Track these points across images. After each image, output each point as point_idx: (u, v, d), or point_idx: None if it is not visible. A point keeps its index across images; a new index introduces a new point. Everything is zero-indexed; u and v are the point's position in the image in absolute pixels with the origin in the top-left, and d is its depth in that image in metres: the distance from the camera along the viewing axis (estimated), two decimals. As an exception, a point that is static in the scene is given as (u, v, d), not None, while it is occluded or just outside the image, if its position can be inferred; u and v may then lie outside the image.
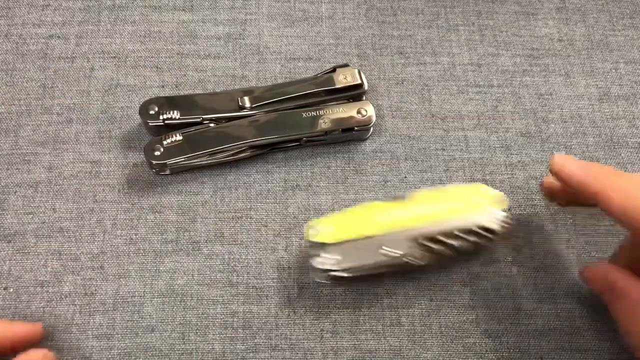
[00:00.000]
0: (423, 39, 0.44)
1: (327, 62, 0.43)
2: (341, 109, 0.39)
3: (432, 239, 0.32)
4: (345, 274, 0.32)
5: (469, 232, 0.33)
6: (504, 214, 0.33)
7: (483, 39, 0.44)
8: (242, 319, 0.34)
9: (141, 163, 0.38)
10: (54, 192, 0.37)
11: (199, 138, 0.37)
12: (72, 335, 0.34)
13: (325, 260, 0.32)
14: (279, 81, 0.42)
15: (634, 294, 0.30)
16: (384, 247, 0.32)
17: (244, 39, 0.43)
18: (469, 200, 0.33)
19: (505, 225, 0.33)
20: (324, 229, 0.32)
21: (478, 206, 0.33)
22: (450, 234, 0.32)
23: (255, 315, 0.34)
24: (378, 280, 0.35)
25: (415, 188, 0.38)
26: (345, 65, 0.40)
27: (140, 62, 0.42)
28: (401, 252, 0.32)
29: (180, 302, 0.35)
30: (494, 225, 0.33)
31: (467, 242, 0.33)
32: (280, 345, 0.34)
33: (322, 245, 0.32)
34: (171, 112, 0.38)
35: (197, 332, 0.34)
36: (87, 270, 0.35)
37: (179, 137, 0.37)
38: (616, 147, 0.40)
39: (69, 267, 0.35)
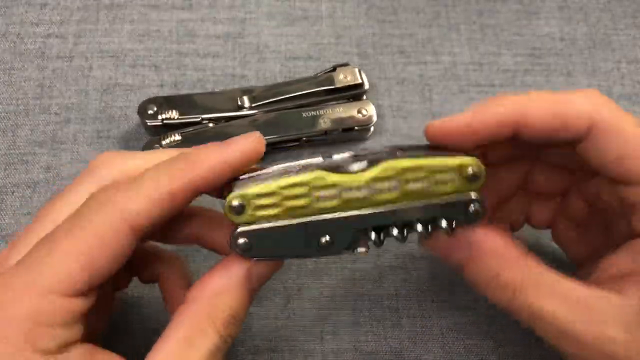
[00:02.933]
0: (424, 38, 0.44)
1: (327, 61, 0.42)
2: (341, 108, 0.39)
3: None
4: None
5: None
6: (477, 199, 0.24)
7: (484, 38, 0.44)
8: (242, 320, 0.34)
9: (140, 163, 0.38)
10: (52, 193, 0.37)
11: (198, 138, 0.37)
12: (70, 336, 0.33)
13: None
14: (279, 80, 0.41)
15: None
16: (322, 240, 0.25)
17: (243, 38, 0.43)
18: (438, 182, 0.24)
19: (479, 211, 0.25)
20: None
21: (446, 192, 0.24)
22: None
23: (254, 317, 0.34)
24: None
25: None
26: (346, 65, 0.40)
27: (138, 62, 0.42)
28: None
29: (179, 303, 0.34)
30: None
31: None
32: (279, 347, 0.33)
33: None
34: (170, 112, 0.38)
35: (196, 334, 0.34)
36: (86, 271, 0.35)
37: (177, 137, 0.37)
38: (618, 147, 0.40)
39: (67, 268, 0.35)
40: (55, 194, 0.37)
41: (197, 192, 0.24)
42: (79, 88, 0.41)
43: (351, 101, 0.40)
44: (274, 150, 0.39)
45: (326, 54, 0.43)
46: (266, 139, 0.37)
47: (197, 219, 0.27)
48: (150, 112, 0.38)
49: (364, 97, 0.40)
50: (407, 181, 0.24)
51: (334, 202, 0.24)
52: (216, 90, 0.41)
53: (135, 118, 0.39)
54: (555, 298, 0.23)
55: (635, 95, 0.42)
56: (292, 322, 0.34)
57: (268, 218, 0.24)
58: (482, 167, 0.24)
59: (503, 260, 0.24)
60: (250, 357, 0.33)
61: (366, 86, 0.40)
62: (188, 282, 0.29)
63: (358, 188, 0.24)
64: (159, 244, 0.29)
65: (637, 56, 0.44)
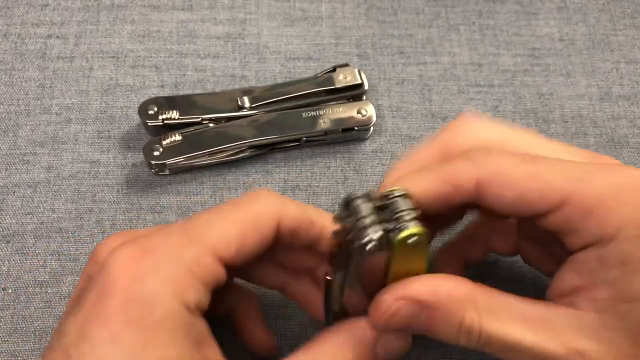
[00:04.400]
0: (423, 38, 0.44)
1: (327, 61, 0.43)
2: (341, 108, 0.39)
3: None
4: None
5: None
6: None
7: (484, 38, 0.44)
8: (242, 319, 0.34)
9: (140, 163, 0.38)
10: (53, 193, 0.37)
11: (198, 138, 0.37)
12: (71, 336, 0.33)
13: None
14: (279, 81, 0.41)
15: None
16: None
17: (243, 38, 0.43)
18: None
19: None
20: None
21: None
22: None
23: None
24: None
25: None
26: (345, 65, 0.40)
27: (139, 62, 0.42)
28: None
29: (180, 302, 0.34)
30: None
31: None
32: (280, 347, 0.33)
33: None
34: (170, 112, 0.38)
35: (196, 333, 0.34)
36: (86, 270, 0.35)
37: (178, 137, 0.37)
38: (617, 147, 0.40)
39: (68, 268, 0.35)
40: (55, 194, 0.37)
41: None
42: (79, 88, 0.41)
43: (351, 101, 0.40)
44: (274, 151, 0.39)
45: (326, 55, 0.43)
46: (266, 139, 0.38)
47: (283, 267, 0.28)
48: (150, 112, 0.38)
49: (364, 97, 0.40)
50: None
51: None
52: (216, 90, 0.41)
53: (135, 118, 0.39)
54: (517, 322, 0.23)
55: (635, 95, 0.43)
56: (292, 322, 0.34)
57: None
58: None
59: (462, 301, 0.23)
60: (250, 358, 0.33)
61: (366, 86, 0.40)
62: (261, 317, 0.30)
63: None
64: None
65: (636, 56, 0.44)
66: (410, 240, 0.22)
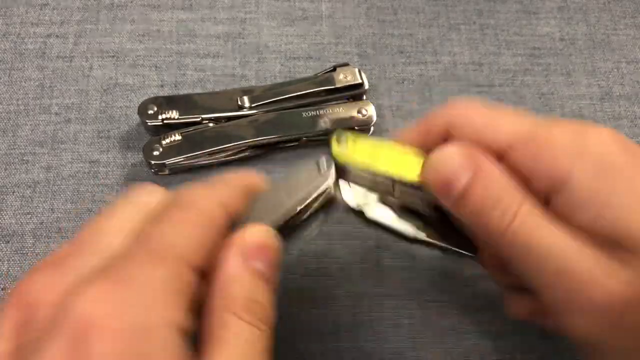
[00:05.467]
0: (424, 38, 0.44)
1: (327, 61, 0.42)
2: (341, 108, 0.39)
3: None
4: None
5: None
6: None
7: (484, 38, 0.44)
8: (242, 320, 0.34)
9: (140, 163, 0.38)
10: (52, 193, 0.37)
11: (198, 138, 0.37)
12: (70, 336, 0.33)
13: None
14: (279, 80, 0.41)
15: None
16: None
17: (243, 38, 0.43)
18: None
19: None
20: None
21: None
22: None
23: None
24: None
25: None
26: (346, 65, 0.40)
27: (139, 62, 0.42)
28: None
29: (180, 303, 0.34)
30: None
31: None
32: (279, 347, 0.33)
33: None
34: (170, 112, 0.38)
35: (196, 334, 0.34)
36: (86, 271, 0.35)
37: (178, 137, 0.37)
38: (618, 147, 0.40)
39: (67, 268, 0.35)
40: (55, 194, 0.37)
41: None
42: (79, 88, 0.41)
43: (351, 101, 0.40)
44: (274, 150, 0.39)
45: (326, 54, 0.43)
46: (266, 139, 0.38)
47: None
48: (150, 112, 0.38)
49: (364, 97, 0.40)
50: None
51: None
52: (216, 90, 0.41)
53: (135, 118, 0.39)
54: (554, 232, 0.22)
55: (635, 95, 0.42)
56: (291, 322, 0.34)
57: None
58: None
59: (505, 183, 0.23)
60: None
61: (366, 86, 0.40)
62: None
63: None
64: None
65: (636, 56, 0.44)
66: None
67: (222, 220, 0.23)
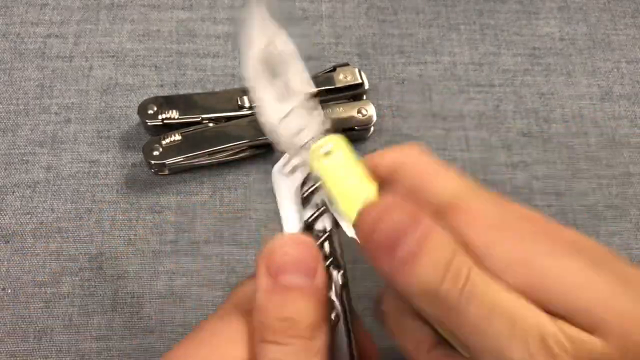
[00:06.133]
0: (424, 38, 0.44)
1: (327, 61, 0.42)
2: (341, 108, 0.39)
3: None
4: None
5: None
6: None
7: (484, 38, 0.44)
8: (242, 320, 0.34)
9: (140, 163, 0.38)
10: (52, 193, 0.37)
11: (198, 138, 0.37)
12: (70, 336, 0.33)
13: None
14: (279, 80, 0.41)
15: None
16: None
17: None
18: None
19: None
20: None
21: None
22: None
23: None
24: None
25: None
26: (346, 65, 0.40)
27: (139, 61, 0.42)
28: None
29: (180, 303, 0.34)
30: None
31: None
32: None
33: None
34: (170, 112, 0.38)
35: (196, 334, 0.34)
36: (86, 271, 0.35)
37: (177, 137, 0.37)
38: (618, 146, 0.40)
39: (67, 268, 0.35)
40: (55, 194, 0.37)
41: None
42: (79, 88, 0.41)
43: (351, 101, 0.40)
44: (274, 150, 0.39)
45: (326, 54, 0.43)
46: (266, 139, 0.38)
47: None
48: (150, 111, 0.38)
49: (364, 97, 0.40)
50: None
51: None
52: (216, 90, 0.41)
53: (135, 118, 0.39)
54: (501, 292, 0.20)
55: (635, 95, 0.42)
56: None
57: None
58: None
59: (455, 244, 0.21)
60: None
61: (366, 86, 0.40)
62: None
63: None
64: None
65: (636, 56, 0.44)
66: (323, 148, 0.24)
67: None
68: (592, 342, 0.19)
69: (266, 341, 0.21)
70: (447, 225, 0.22)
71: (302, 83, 0.25)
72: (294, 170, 0.25)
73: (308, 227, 0.25)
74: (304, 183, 0.25)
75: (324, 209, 0.25)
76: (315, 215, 0.25)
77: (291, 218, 0.25)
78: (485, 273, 0.20)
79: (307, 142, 0.25)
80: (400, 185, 0.24)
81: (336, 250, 0.25)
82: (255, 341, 0.21)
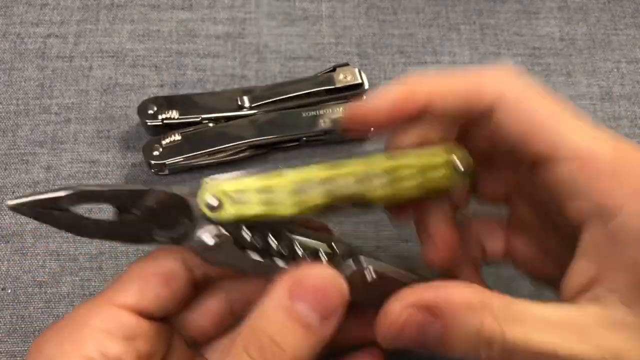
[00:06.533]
0: (424, 38, 0.44)
1: (327, 61, 0.42)
2: (341, 108, 0.39)
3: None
4: None
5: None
6: None
7: (484, 38, 0.44)
8: (242, 320, 0.34)
9: (140, 163, 0.38)
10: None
11: (198, 138, 0.37)
12: (70, 336, 0.33)
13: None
14: (279, 80, 0.41)
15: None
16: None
17: (243, 38, 0.43)
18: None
19: None
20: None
21: None
22: None
23: (254, 317, 0.34)
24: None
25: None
26: (346, 65, 0.40)
27: (138, 62, 0.42)
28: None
29: (179, 303, 0.34)
30: None
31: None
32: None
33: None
34: (170, 112, 0.38)
35: (196, 334, 0.34)
36: (86, 270, 0.35)
37: (177, 137, 0.37)
38: (618, 147, 0.40)
39: (67, 268, 0.35)
40: (55, 193, 0.37)
41: None
42: (79, 88, 0.41)
43: (351, 101, 0.39)
44: (274, 150, 0.39)
45: (326, 54, 0.43)
46: (266, 139, 0.38)
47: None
48: (150, 112, 0.37)
49: (364, 97, 0.40)
50: (399, 178, 0.24)
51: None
52: (216, 90, 0.41)
53: (135, 118, 0.39)
54: (542, 328, 0.21)
55: (635, 95, 0.42)
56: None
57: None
58: (469, 158, 0.24)
59: (479, 309, 0.21)
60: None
61: (366, 86, 0.39)
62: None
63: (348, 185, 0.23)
64: None
65: (637, 56, 0.44)
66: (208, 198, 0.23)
67: (177, 269, 0.25)
68: None
69: (247, 353, 0.21)
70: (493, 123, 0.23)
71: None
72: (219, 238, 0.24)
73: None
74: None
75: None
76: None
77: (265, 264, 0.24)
78: (523, 313, 0.21)
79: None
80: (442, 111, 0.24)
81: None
82: (237, 342, 0.22)
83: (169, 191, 0.23)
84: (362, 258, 0.25)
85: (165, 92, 0.41)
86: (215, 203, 0.23)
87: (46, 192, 0.22)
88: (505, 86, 0.23)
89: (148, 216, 0.23)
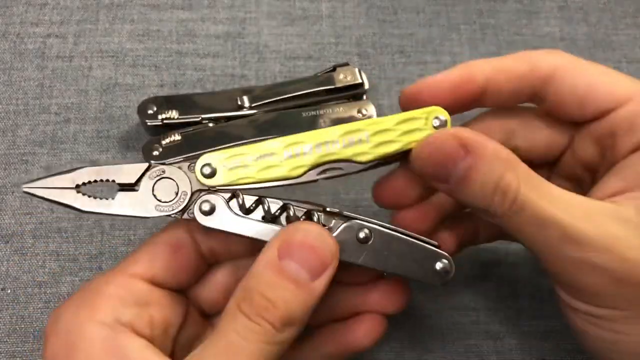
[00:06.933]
0: (424, 37, 0.44)
1: (327, 61, 0.42)
2: (341, 108, 0.39)
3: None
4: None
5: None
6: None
7: (484, 38, 0.44)
8: (242, 320, 0.34)
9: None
10: (52, 193, 0.37)
11: (197, 138, 0.37)
12: (70, 336, 0.33)
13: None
14: (279, 80, 0.41)
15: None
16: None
17: (243, 37, 0.43)
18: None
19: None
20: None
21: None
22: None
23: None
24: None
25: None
26: (346, 64, 0.40)
27: (138, 61, 0.42)
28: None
29: (179, 303, 0.34)
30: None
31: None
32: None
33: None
34: (170, 112, 0.37)
35: (196, 334, 0.34)
36: (86, 271, 0.35)
37: (177, 137, 0.37)
38: (618, 147, 0.40)
39: (67, 268, 0.35)
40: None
41: None
42: (78, 88, 0.40)
43: (351, 101, 0.39)
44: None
45: (326, 54, 0.43)
46: (266, 139, 0.37)
47: None
48: (150, 111, 0.37)
49: (364, 97, 0.40)
50: (383, 142, 0.25)
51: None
52: (216, 90, 0.41)
53: (135, 118, 0.39)
54: (557, 202, 0.23)
55: (636, 95, 0.42)
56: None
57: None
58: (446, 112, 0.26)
59: (506, 162, 0.23)
60: None
61: (366, 86, 0.39)
62: None
63: (333, 142, 0.25)
64: None
65: (637, 55, 0.44)
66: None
67: (185, 240, 0.26)
68: None
69: (240, 309, 0.22)
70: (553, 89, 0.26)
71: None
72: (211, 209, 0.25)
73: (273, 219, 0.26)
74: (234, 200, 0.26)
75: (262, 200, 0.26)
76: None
77: (256, 228, 0.25)
78: (541, 182, 0.23)
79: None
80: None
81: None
82: (231, 301, 0.23)
83: (168, 165, 0.25)
84: (357, 220, 0.26)
85: (165, 92, 0.41)
86: (208, 171, 0.25)
87: (58, 173, 0.25)
88: (558, 60, 0.26)
89: (149, 190, 0.25)
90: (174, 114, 0.37)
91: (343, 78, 0.39)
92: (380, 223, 0.26)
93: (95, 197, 0.25)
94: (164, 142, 0.37)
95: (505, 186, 0.23)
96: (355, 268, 0.26)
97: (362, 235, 0.25)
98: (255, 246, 0.25)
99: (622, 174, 0.24)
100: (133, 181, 0.25)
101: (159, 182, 0.25)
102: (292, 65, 0.42)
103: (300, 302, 0.22)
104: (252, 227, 0.25)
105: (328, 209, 0.26)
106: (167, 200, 0.25)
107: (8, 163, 0.38)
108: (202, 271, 0.28)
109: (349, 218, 0.26)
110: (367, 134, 0.25)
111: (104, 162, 0.38)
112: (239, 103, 0.38)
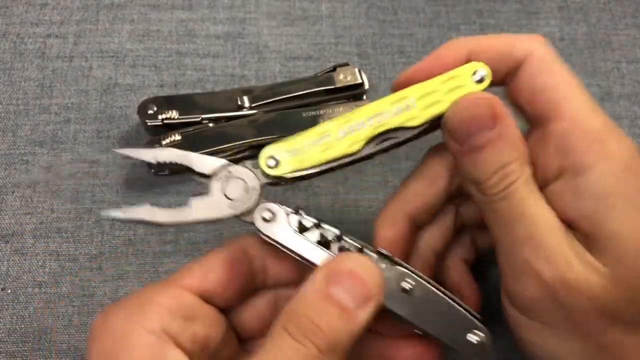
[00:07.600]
0: (424, 38, 0.44)
1: (327, 61, 0.42)
2: (341, 108, 0.39)
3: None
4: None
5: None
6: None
7: (484, 38, 0.44)
8: (242, 320, 0.34)
9: (140, 163, 0.38)
10: (52, 192, 0.37)
11: (197, 138, 0.37)
12: (70, 336, 0.33)
13: None
14: (279, 80, 0.41)
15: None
16: None
17: (243, 38, 0.43)
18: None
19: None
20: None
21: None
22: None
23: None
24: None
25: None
26: (346, 65, 0.40)
27: (138, 62, 0.42)
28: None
29: (179, 303, 0.34)
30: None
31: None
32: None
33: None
34: (170, 112, 0.38)
35: (196, 334, 0.34)
36: (86, 271, 0.35)
37: (177, 137, 0.37)
38: (618, 147, 0.40)
39: (67, 268, 0.35)
40: (55, 194, 0.37)
41: None
42: (79, 88, 0.41)
43: (351, 101, 0.39)
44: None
45: (326, 54, 0.43)
46: (266, 139, 0.38)
47: None
48: (150, 112, 0.37)
49: (364, 97, 0.40)
50: (422, 96, 0.26)
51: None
52: (216, 90, 0.41)
53: (135, 118, 0.39)
54: (539, 208, 0.24)
55: (635, 95, 0.42)
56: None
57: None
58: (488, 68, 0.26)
59: (519, 152, 0.24)
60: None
61: (366, 86, 0.39)
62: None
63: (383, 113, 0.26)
64: None
65: (637, 56, 0.44)
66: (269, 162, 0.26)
67: (242, 256, 0.27)
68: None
69: (286, 330, 0.22)
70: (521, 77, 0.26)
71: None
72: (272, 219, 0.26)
73: (325, 244, 0.26)
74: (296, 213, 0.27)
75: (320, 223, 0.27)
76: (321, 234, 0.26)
77: (309, 249, 0.26)
78: (535, 189, 0.24)
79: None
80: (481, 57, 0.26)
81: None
82: (277, 321, 0.23)
83: (233, 165, 0.26)
84: (404, 269, 0.26)
85: (165, 92, 0.41)
86: (273, 162, 0.26)
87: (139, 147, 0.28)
88: (535, 47, 0.26)
89: (220, 191, 0.26)
90: (174, 114, 0.37)
91: (343, 78, 0.39)
92: (427, 278, 0.26)
93: (169, 208, 0.25)
94: (164, 142, 0.37)
95: (508, 171, 0.24)
96: (389, 318, 0.26)
97: (406, 285, 0.25)
98: (300, 275, 0.26)
99: (550, 202, 0.25)
100: (208, 173, 0.26)
101: (228, 182, 0.26)
102: (292, 65, 0.42)
103: (345, 329, 0.22)
104: (305, 247, 0.25)
105: (380, 250, 0.26)
106: (239, 198, 0.26)
107: (8, 163, 0.38)
108: (249, 293, 0.28)
109: (397, 264, 0.26)
110: (413, 100, 0.26)
111: (104, 162, 0.38)
112: (239, 103, 0.38)
